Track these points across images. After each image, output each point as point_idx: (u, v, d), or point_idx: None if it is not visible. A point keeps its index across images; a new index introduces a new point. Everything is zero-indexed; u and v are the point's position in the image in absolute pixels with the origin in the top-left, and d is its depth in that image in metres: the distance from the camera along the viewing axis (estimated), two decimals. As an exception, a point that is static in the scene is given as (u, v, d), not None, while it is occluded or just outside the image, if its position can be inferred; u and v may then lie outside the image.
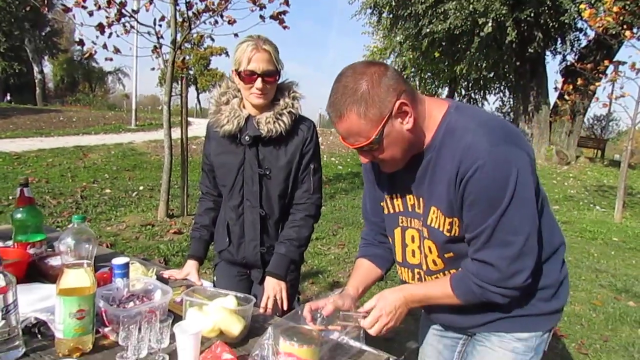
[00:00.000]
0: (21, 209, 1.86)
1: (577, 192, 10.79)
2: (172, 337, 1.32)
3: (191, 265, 2.00)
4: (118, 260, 1.63)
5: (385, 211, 1.47)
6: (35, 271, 1.79)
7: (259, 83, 1.79)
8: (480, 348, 1.42)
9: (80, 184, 7.46)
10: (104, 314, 1.45)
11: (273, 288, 1.88)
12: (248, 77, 1.79)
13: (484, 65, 16.15)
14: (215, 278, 2.12)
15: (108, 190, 7.11)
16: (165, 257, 4.47)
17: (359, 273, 1.58)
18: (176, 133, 6.25)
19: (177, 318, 1.45)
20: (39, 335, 1.38)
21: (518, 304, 1.33)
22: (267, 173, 1.89)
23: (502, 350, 1.38)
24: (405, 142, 1.24)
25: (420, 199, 1.34)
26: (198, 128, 13.54)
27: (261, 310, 1.81)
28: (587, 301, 4.25)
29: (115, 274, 1.62)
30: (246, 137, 1.86)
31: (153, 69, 6.32)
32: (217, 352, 1.21)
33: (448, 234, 1.29)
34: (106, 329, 1.43)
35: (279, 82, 1.88)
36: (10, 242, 1.90)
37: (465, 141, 1.19)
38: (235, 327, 1.42)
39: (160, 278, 1.91)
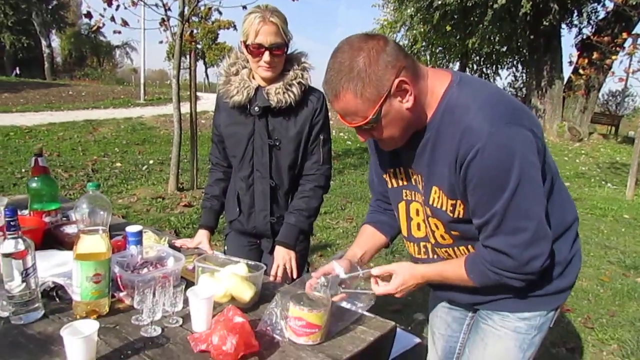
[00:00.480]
0: (36, 178, 1.89)
1: (588, 169, 10.68)
2: (186, 301, 1.35)
3: (202, 234, 2.03)
4: (132, 228, 1.66)
5: (389, 185, 1.45)
6: (52, 239, 1.83)
7: (266, 56, 1.78)
8: (484, 326, 1.42)
9: (91, 157, 7.53)
10: (119, 279, 1.49)
11: (282, 257, 1.91)
12: (256, 50, 1.78)
13: (497, 38, 15.82)
14: (226, 248, 2.16)
15: (119, 164, 7.18)
16: (176, 230, 4.54)
17: (361, 239, 1.58)
18: (185, 107, 6.25)
19: (190, 285, 1.49)
20: (57, 299, 1.43)
21: None
22: (277, 144, 1.90)
23: (504, 330, 1.37)
24: (404, 121, 1.19)
25: (421, 178, 1.31)
26: (207, 103, 13.51)
27: (271, 279, 1.85)
28: (595, 277, 4.26)
29: (129, 242, 1.66)
30: (256, 108, 1.87)
31: (161, 42, 6.30)
32: (229, 315, 1.25)
33: (451, 215, 1.25)
34: (121, 294, 1.48)
35: (288, 53, 1.87)
36: (26, 212, 1.94)
37: (464, 121, 1.13)
38: (246, 293, 1.45)
39: (172, 247, 1.95)
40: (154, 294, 1.31)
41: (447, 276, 1.33)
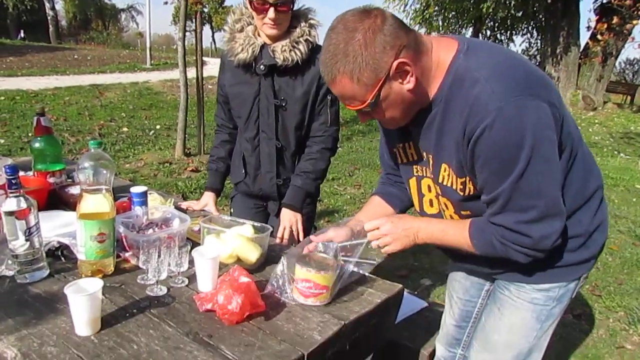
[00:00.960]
0: (39, 138, 1.86)
1: (601, 139, 10.49)
2: (191, 262, 1.34)
3: (208, 196, 2.01)
4: (136, 189, 1.64)
5: (399, 160, 1.39)
6: (56, 199, 1.82)
7: (271, 13, 1.70)
8: (500, 295, 1.37)
9: (98, 122, 7.51)
10: (124, 240, 1.48)
11: (289, 219, 1.89)
12: (260, 6, 1.70)
13: (513, 3, 15.28)
14: (232, 210, 2.14)
15: (125, 129, 7.16)
16: (184, 194, 4.54)
17: (368, 208, 1.54)
18: (192, 72, 6.16)
19: (196, 246, 1.47)
20: (63, 258, 1.42)
21: None
22: (283, 104, 1.85)
23: (520, 301, 1.32)
24: (405, 102, 1.13)
25: (430, 156, 1.24)
26: (213, 68, 13.28)
27: (277, 241, 1.84)
28: (605, 246, 4.23)
29: (134, 202, 1.64)
30: (261, 67, 1.80)
31: (166, 2, 6.13)
32: (235, 275, 1.23)
33: (462, 194, 1.20)
34: (127, 254, 1.47)
35: (295, 9, 1.79)
36: (30, 173, 1.92)
37: (472, 94, 1.05)
38: (252, 254, 1.44)
39: (178, 208, 1.93)
40: (159, 254, 1.30)
41: (447, 235, 1.26)
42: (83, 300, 1.05)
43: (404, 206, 1.54)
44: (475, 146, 1.06)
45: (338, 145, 2.00)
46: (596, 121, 13.11)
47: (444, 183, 1.23)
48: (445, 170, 1.21)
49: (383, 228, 1.30)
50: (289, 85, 1.83)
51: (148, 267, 1.29)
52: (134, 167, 5.36)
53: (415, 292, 3.16)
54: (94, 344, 1.05)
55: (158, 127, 7.51)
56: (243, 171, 1.97)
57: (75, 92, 9.66)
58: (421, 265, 3.50)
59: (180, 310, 1.21)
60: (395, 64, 1.05)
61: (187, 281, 1.35)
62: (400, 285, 1.48)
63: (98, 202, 1.30)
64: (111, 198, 1.34)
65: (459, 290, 1.62)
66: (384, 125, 1.29)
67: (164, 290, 1.29)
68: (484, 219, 1.20)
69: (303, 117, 1.87)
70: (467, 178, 1.17)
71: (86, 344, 1.05)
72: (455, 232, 1.25)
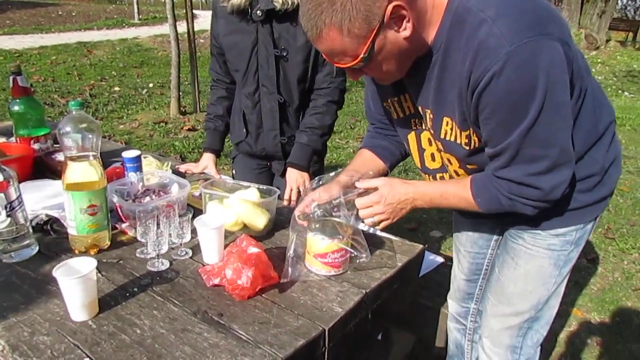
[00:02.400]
0: (18, 100, 1.70)
1: (604, 79, 10.21)
2: (194, 231, 1.22)
3: (208, 158, 1.87)
4: (129, 153, 1.50)
5: (394, 115, 1.25)
6: (43, 167, 1.68)
7: None
8: (514, 245, 1.28)
9: (88, 82, 7.23)
10: (119, 210, 1.36)
11: (295, 180, 1.76)
12: None
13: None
14: (234, 172, 2.01)
15: (117, 88, 6.90)
16: (182, 154, 4.40)
17: (357, 162, 1.39)
18: (182, 27, 5.84)
19: (197, 213, 1.36)
20: (53, 233, 1.30)
21: None
22: (284, 54, 1.67)
23: (536, 248, 1.23)
24: (402, 53, 0.99)
25: (428, 111, 1.12)
26: (205, 21, 12.72)
27: (285, 203, 1.71)
28: (615, 187, 4.14)
29: (127, 168, 1.51)
30: (258, 12, 1.61)
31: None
32: (243, 246, 1.12)
33: (468, 148, 1.09)
34: (124, 225, 1.35)
35: None
36: (13, 139, 1.77)
37: (477, 37, 0.91)
38: (259, 220, 1.32)
39: (176, 172, 1.80)
40: (158, 224, 1.18)
41: (448, 198, 1.15)
42: (75, 283, 0.93)
43: (395, 159, 1.41)
44: (481, 96, 0.94)
45: (344, 98, 1.84)
46: (599, 60, 12.77)
47: (447, 138, 1.11)
48: (447, 124, 1.09)
49: (376, 207, 1.15)
50: (289, 33, 1.65)
51: (147, 240, 1.17)
52: (129, 128, 5.17)
53: (426, 246, 3.10)
54: (92, 330, 0.94)
55: (151, 85, 7.24)
56: (244, 130, 1.82)
57: (62, 50, 9.28)
58: (430, 217, 3.41)
59: (186, 287, 1.10)
60: (389, 8, 0.90)
61: (190, 252, 1.24)
62: (421, 246, 1.38)
63: (86, 171, 1.17)
64: (100, 165, 1.20)
65: (466, 243, 1.52)
66: (378, 81, 1.15)
67: (166, 264, 1.18)
68: (487, 173, 1.09)
69: (306, 68, 1.70)
70: (472, 130, 1.05)
71: (83, 331, 0.94)
72: (455, 192, 1.14)
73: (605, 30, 15.15)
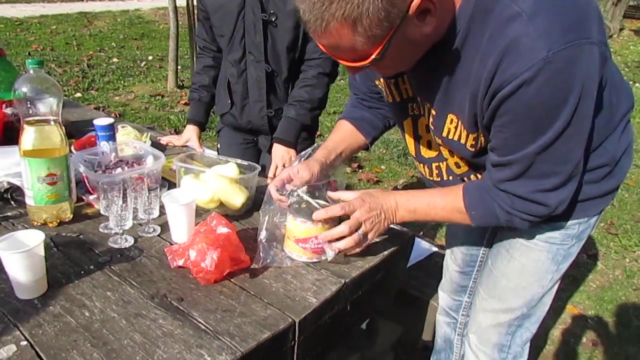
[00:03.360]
0: (-12, 60, 1.59)
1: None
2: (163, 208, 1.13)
3: (191, 130, 1.77)
4: (101, 121, 1.40)
5: (388, 98, 1.12)
6: (14, 133, 1.57)
7: None
8: (509, 234, 1.17)
9: (87, 52, 7.07)
10: (86, 181, 1.26)
11: (281, 156, 1.65)
12: None
13: None
14: (219, 146, 1.91)
15: (115, 60, 6.75)
16: (176, 129, 4.28)
17: (336, 136, 1.27)
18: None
19: (173, 187, 1.26)
20: (13, 202, 1.21)
21: None
22: (273, 19, 1.54)
23: (534, 241, 1.12)
24: (418, 49, 0.86)
25: (428, 105, 1.00)
26: (209, -6, 12.53)
27: (268, 181, 1.61)
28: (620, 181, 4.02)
29: (99, 137, 1.40)
30: None
31: None
32: (212, 225, 1.02)
33: (473, 150, 0.98)
34: (91, 197, 1.26)
35: None
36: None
37: (507, 34, 0.77)
38: (237, 198, 1.22)
39: (156, 145, 1.70)
40: (123, 198, 1.08)
41: (435, 208, 1.02)
42: (17, 258, 0.84)
43: (377, 133, 1.29)
44: (503, 103, 0.82)
45: (338, 70, 1.71)
46: (611, 49, 12.49)
47: (450, 137, 0.99)
48: (451, 122, 0.97)
49: (362, 209, 1.02)
50: None
51: (110, 214, 1.08)
52: (124, 99, 5.05)
53: (421, 233, 3.01)
54: (37, 310, 0.85)
55: (150, 58, 7.09)
56: (229, 101, 1.71)
57: (63, 20, 9.10)
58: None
59: (147, 267, 1.00)
60: (417, 1, 0.74)
61: (159, 230, 1.15)
62: (410, 232, 1.28)
63: (44, 136, 1.06)
64: (62, 131, 1.10)
65: (459, 233, 1.41)
66: (379, 73, 1.01)
67: (131, 241, 1.09)
68: (484, 183, 0.97)
69: (296, 35, 1.57)
70: (480, 133, 0.93)
71: (27, 310, 0.85)
72: (444, 203, 1.02)
73: (619, 18, 14.77)
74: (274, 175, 1.64)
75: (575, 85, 0.78)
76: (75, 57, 6.71)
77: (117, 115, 4.44)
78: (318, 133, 4.43)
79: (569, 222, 1.09)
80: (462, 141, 0.98)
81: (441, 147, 1.09)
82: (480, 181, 0.99)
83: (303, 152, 1.13)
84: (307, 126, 1.68)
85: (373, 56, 0.80)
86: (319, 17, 0.75)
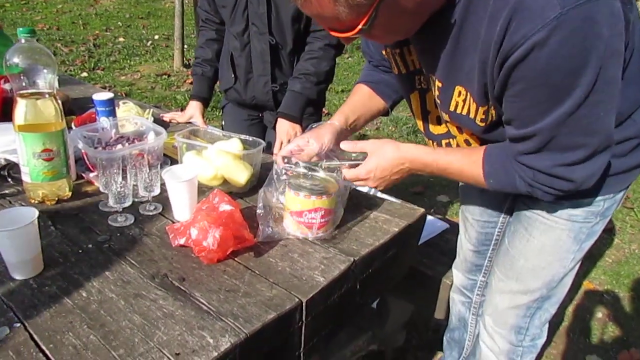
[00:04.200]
0: (-17, 34, 1.54)
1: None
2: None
3: (194, 106, 1.71)
4: (100, 96, 1.35)
5: (395, 70, 1.06)
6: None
7: None
8: (528, 213, 1.10)
9: (93, 31, 7.01)
10: (85, 157, 1.22)
11: (287, 132, 1.59)
12: None
13: None
14: (223, 122, 1.85)
15: (122, 39, 6.68)
16: (182, 108, 4.22)
17: (354, 99, 1.21)
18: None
19: (176, 164, 1.21)
20: (10, 179, 1.17)
21: None
22: None
23: (555, 218, 1.04)
24: (412, 17, 0.80)
25: (435, 78, 0.93)
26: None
27: (274, 158, 1.55)
28: None
29: (99, 112, 1.35)
30: None
31: None
32: (215, 202, 0.97)
33: (483, 124, 0.91)
34: (91, 175, 1.22)
35: None
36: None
37: None
38: (241, 174, 1.17)
39: (159, 121, 1.65)
40: (123, 175, 1.04)
41: (452, 173, 0.96)
42: (10, 236, 0.80)
43: (397, 97, 1.22)
44: (515, 69, 0.75)
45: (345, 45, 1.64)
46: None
47: (458, 111, 0.92)
48: (460, 95, 0.89)
49: (368, 182, 1.01)
50: None
51: (109, 192, 1.03)
52: (130, 79, 5.00)
53: (432, 211, 2.95)
54: (32, 291, 0.82)
55: (156, 37, 7.00)
56: (232, 75, 1.65)
57: (69, -1, 9.01)
58: (437, 181, 3.24)
59: (148, 245, 0.96)
60: None
61: (160, 208, 1.10)
62: (422, 210, 1.23)
63: (40, 110, 1.02)
64: (58, 104, 1.05)
65: (474, 210, 1.34)
66: (376, 42, 0.95)
67: (131, 219, 1.05)
68: (507, 153, 0.89)
69: None
70: (490, 105, 0.86)
71: (22, 291, 0.82)
72: (462, 168, 0.95)
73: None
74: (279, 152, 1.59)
75: (595, 47, 0.70)
76: (81, 36, 6.65)
77: (124, 95, 4.40)
78: (326, 111, 4.36)
79: (593, 199, 1.01)
80: (472, 115, 0.91)
81: (449, 124, 1.02)
82: (502, 147, 0.91)
83: (315, 124, 1.08)
84: (312, 100, 1.62)
85: (360, 26, 0.74)
86: None
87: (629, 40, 0.81)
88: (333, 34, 0.79)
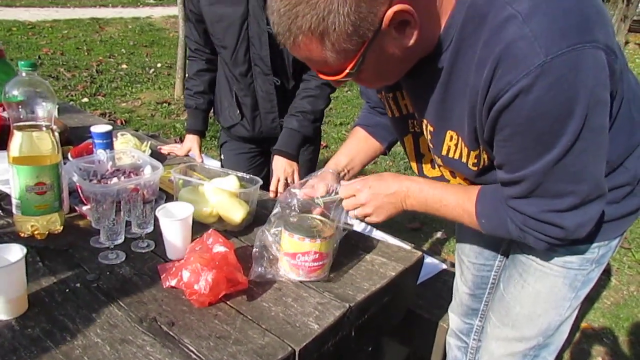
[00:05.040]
0: (-14, 63, 1.54)
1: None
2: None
3: (191, 140, 1.71)
4: (98, 128, 1.34)
5: (389, 113, 1.07)
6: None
7: None
8: (523, 258, 1.08)
9: (96, 57, 7.10)
10: (79, 190, 1.20)
11: (283, 169, 1.58)
12: None
13: None
14: (222, 157, 1.84)
15: (124, 66, 6.75)
16: (181, 137, 4.24)
17: (350, 144, 1.23)
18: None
19: (171, 200, 1.20)
20: (1, 211, 1.15)
21: None
22: None
23: (549, 265, 1.03)
24: (401, 62, 0.81)
25: (426, 122, 0.93)
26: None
27: (271, 195, 1.54)
28: None
29: (96, 144, 1.34)
30: None
31: None
32: (209, 243, 0.95)
33: (475, 169, 0.91)
34: (84, 208, 1.19)
35: None
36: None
37: (502, 39, 0.71)
38: (236, 213, 1.15)
39: (156, 154, 1.64)
40: (117, 210, 1.02)
41: (447, 205, 0.95)
42: (-5, 275, 0.77)
43: (393, 138, 1.23)
44: (501, 115, 0.75)
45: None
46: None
47: (450, 155, 0.92)
48: (451, 140, 0.90)
49: (361, 196, 1.00)
50: None
51: (101, 228, 1.01)
52: (131, 106, 5.03)
53: (429, 248, 2.92)
54: (13, 333, 0.79)
55: (159, 65, 7.09)
56: (237, 112, 1.65)
57: (75, 25, 9.16)
58: (435, 218, 3.22)
59: (138, 286, 0.94)
60: (389, 14, 0.69)
61: (153, 245, 1.08)
62: (420, 253, 1.21)
63: (34, 143, 1.01)
64: (54, 137, 1.04)
65: (469, 252, 1.32)
66: (366, 86, 0.97)
67: (122, 257, 1.02)
68: (499, 196, 0.88)
69: None
70: (483, 149, 0.86)
71: (2, 333, 0.78)
72: (457, 202, 0.95)
73: (624, 32, 14.64)
74: (276, 189, 1.57)
75: (580, 95, 0.70)
76: (84, 62, 6.73)
77: (123, 122, 4.41)
78: (324, 144, 4.38)
79: (588, 246, 0.99)
80: (464, 160, 0.91)
81: (442, 169, 1.02)
82: (496, 189, 0.90)
83: (314, 175, 1.10)
84: (308, 137, 1.62)
85: (347, 70, 0.76)
86: (287, 30, 0.72)
87: (616, 90, 0.81)
88: (322, 76, 0.81)
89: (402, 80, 0.93)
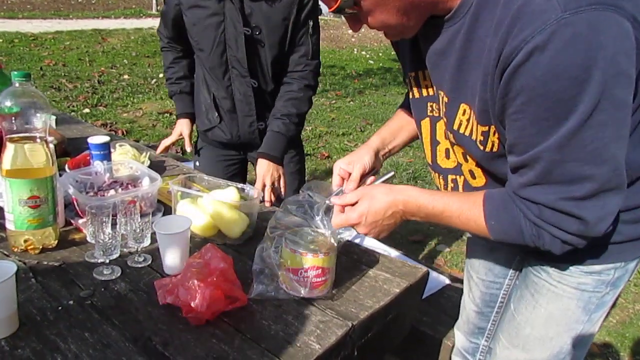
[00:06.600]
0: (-17, 73, 1.52)
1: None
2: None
3: (182, 123, 1.78)
4: (95, 139, 1.32)
5: (410, 95, 1.06)
6: (7, 149, 1.50)
7: None
8: (535, 279, 1.04)
9: (98, 68, 7.11)
10: (75, 203, 1.17)
11: (270, 174, 1.54)
12: None
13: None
14: (197, 164, 1.83)
15: (126, 77, 6.77)
16: (182, 147, 4.22)
17: (393, 124, 1.20)
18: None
19: (169, 211, 1.17)
20: (-7, 225, 1.12)
21: None
22: (257, 33, 1.47)
23: (562, 286, 0.98)
24: (404, 2, 0.79)
25: (442, 93, 0.91)
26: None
27: (267, 205, 1.50)
28: None
29: (93, 156, 1.32)
30: None
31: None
32: (207, 257, 0.92)
33: (482, 147, 0.86)
34: (80, 221, 1.16)
35: None
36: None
37: (517, 2, 0.69)
38: (236, 226, 1.12)
39: (155, 165, 1.62)
40: (112, 224, 0.99)
41: (451, 215, 0.89)
42: (-17, 293, 0.74)
43: None
44: (514, 77, 0.70)
45: (319, 82, 1.67)
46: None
47: (461, 131, 0.88)
48: (464, 114, 0.86)
49: (360, 228, 0.96)
50: (262, 10, 1.46)
51: (96, 242, 0.98)
52: (132, 116, 5.02)
53: (432, 262, 2.88)
54: (2, 354, 0.75)
55: (161, 75, 7.10)
56: (216, 115, 1.64)
57: (77, 36, 9.21)
58: (437, 230, 3.19)
59: (133, 303, 0.90)
60: None
61: (149, 260, 1.05)
62: (425, 269, 1.17)
63: (28, 155, 0.98)
64: (49, 149, 1.02)
65: (479, 268, 1.27)
66: (386, 36, 0.91)
67: (117, 272, 0.99)
68: (507, 192, 0.83)
69: (282, 49, 1.51)
70: (492, 127, 0.81)
71: (-9, 354, 0.75)
72: (461, 210, 0.89)
73: None
74: (264, 195, 1.54)
75: (599, 58, 0.65)
76: (86, 72, 6.74)
77: (124, 132, 4.40)
78: (326, 154, 4.36)
79: (603, 267, 0.94)
80: (473, 137, 0.86)
81: (456, 151, 0.98)
82: (504, 189, 0.86)
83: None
84: (294, 141, 1.62)
85: None
86: None
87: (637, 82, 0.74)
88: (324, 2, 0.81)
89: (423, 49, 0.91)
